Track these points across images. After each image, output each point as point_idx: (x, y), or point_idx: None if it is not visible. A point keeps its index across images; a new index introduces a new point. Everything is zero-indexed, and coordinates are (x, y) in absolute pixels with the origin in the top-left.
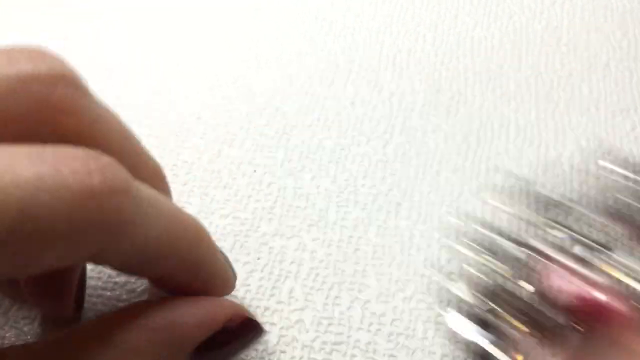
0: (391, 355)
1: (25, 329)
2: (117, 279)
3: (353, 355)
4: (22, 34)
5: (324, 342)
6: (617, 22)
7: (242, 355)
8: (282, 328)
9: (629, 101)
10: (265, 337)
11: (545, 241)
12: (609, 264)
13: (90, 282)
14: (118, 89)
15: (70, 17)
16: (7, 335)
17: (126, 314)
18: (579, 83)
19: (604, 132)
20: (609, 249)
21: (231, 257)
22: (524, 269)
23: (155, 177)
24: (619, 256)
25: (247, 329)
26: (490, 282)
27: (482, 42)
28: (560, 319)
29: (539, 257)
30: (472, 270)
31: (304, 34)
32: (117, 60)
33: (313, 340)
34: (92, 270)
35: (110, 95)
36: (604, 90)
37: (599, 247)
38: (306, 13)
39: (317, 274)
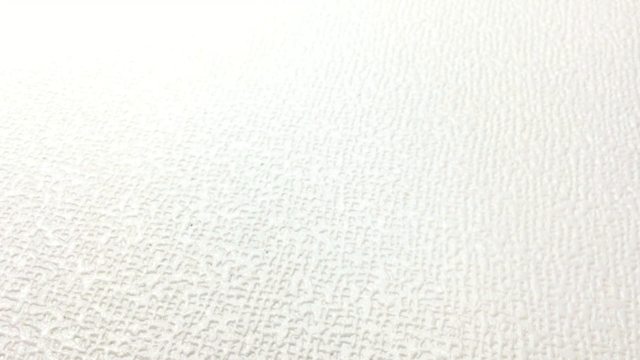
0: (400, 346)
1: (39, 325)
2: (127, 274)
3: (362, 347)
4: (21, 35)
5: (333, 334)
6: (621, 20)
7: (252, 348)
8: (291, 321)
9: (633, 98)
10: (275, 330)
11: None
12: None
13: (100, 277)
14: (123, 87)
15: (71, 17)
16: (20, 334)
17: None
18: (584, 80)
19: (609, 129)
20: None
21: (240, 250)
22: None
23: None
24: None
25: None
26: None
27: (487, 37)
28: None
29: None
30: None
31: (309, 28)
32: (120, 59)
33: (322, 333)
34: (102, 265)
35: (117, 93)
36: (608, 87)
37: None
38: (312, 8)
39: (325, 266)
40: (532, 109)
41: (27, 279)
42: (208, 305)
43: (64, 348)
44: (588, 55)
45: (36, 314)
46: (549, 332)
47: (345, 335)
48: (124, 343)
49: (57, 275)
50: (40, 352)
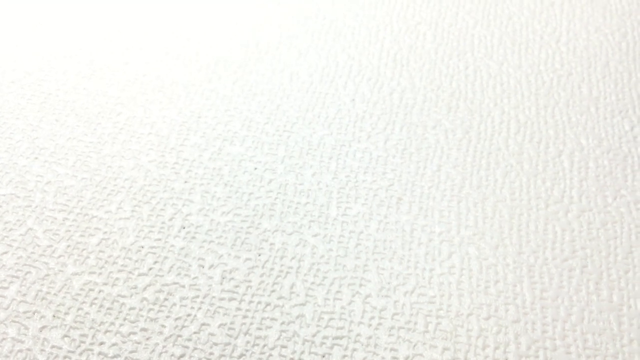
0: (392, 349)
1: (27, 323)
2: (118, 275)
3: (354, 350)
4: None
5: (325, 337)
6: (616, 23)
7: (243, 351)
8: (283, 323)
9: (627, 101)
10: (267, 333)
11: None
12: None
13: (90, 278)
14: (117, 89)
15: (66, 18)
16: (8, 330)
17: None
18: (578, 82)
19: (603, 132)
20: None
21: (232, 253)
22: None
23: None
24: None
25: None
26: None
27: (482, 40)
28: None
29: None
30: None
31: (304, 32)
32: (115, 61)
33: (314, 335)
34: (93, 266)
35: (110, 95)
36: (603, 90)
37: None
38: (307, 12)
39: (318, 270)
40: (527, 111)
41: (17, 277)
42: (199, 308)
43: (53, 347)
44: (583, 58)
45: (25, 312)
46: (541, 336)
47: (337, 338)
48: (114, 344)
49: (47, 275)
50: (28, 349)
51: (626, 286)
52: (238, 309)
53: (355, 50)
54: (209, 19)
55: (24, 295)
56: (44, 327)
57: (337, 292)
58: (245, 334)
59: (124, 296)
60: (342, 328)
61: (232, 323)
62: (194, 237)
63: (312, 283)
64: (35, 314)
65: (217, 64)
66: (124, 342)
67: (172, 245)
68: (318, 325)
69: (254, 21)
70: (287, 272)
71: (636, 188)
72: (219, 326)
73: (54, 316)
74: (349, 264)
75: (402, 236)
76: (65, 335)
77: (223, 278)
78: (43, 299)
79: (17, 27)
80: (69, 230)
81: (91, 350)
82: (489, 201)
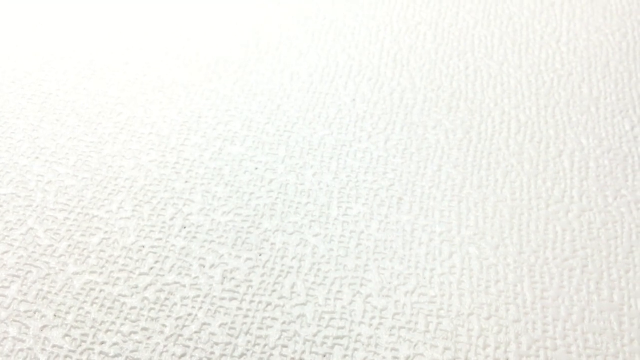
0: (393, 349)
1: (28, 322)
2: (118, 275)
3: (355, 349)
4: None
5: (326, 337)
6: (616, 23)
7: (244, 350)
8: (283, 323)
9: (628, 101)
10: (267, 332)
11: None
12: None
13: (91, 277)
14: (118, 89)
15: (66, 18)
16: (9, 329)
17: None
18: (578, 82)
19: (604, 131)
20: None
21: (233, 253)
22: None
23: None
24: None
25: None
26: None
27: (482, 40)
28: None
29: None
30: None
31: (304, 32)
32: (115, 61)
33: (315, 335)
34: (94, 265)
35: (111, 95)
36: (603, 90)
37: None
38: (307, 12)
39: (318, 269)
40: (527, 111)
41: (17, 276)
42: (200, 308)
43: (54, 346)
44: (583, 58)
45: (26, 311)
46: (542, 335)
47: (337, 338)
48: (114, 344)
49: (48, 274)
50: (29, 348)
51: (627, 286)
52: (239, 308)
53: (355, 50)
54: (209, 19)
55: (25, 294)
56: (44, 326)
57: (338, 291)
58: (246, 333)
59: (124, 295)
60: (342, 328)
61: (232, 322)
62: (194, 237)
63: (313, 283)
64: (36, 313)
65: (217, 64)
66: (124, 342)
67: (173, 245)
68: (319, 325)
69: (254, 21)
70: (288, 272)
71: (636, 188)
72: (220, 325)
73: (54, 315)
74: (350, 264)
75: (402, 236)
76: (66, 335)
77: (224, 277)
78: (44, 298)
79: (17, 27)
80: (70, 230)
81: (92, 349)
82: (490, 201)
